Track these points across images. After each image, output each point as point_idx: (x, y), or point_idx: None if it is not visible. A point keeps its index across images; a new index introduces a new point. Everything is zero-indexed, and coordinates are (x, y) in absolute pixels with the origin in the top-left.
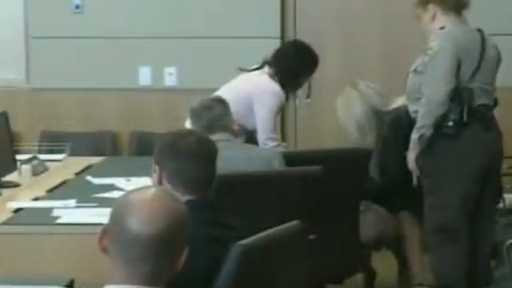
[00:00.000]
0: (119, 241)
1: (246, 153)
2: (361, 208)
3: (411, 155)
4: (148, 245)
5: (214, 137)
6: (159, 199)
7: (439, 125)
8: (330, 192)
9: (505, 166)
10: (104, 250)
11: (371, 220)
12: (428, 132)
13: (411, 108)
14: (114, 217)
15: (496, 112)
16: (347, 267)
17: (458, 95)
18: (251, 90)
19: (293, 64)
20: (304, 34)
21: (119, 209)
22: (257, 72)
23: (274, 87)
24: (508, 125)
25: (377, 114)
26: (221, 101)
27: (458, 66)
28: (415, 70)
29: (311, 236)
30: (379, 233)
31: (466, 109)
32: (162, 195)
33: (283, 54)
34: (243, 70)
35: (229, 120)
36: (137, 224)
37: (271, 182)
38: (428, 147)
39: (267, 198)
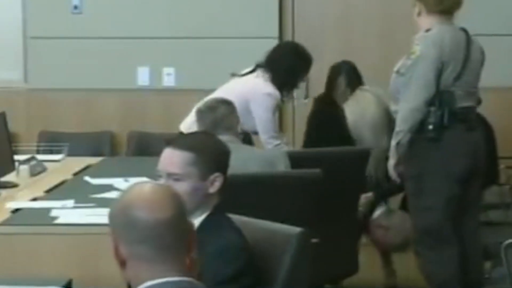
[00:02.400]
0: (136, 239)
1: (248, 154)
2: (383, 211)
3: (391, 162)
4: (166, 231)
5: None
6: (160, 188)
7: (417, 130)
8: (329, 193)
9: (503, 166)
10: (123, 263)
11: (396, 226)
12: (405, 138)
13: (393, 108)
14: (120, 222)
15: (496, 112)
16: (346, 267)
17: (439, 98)
18: (247, 93)
19: (288, 65)
20: (302, 34)
21: (123, 212)
22: (250, 75)
23: (269, 88)
24: (508, 125)
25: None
26: (226, 102)
27: (441, 71)
28: (398, 71)
29: (314, 240)
30: (405, 239)
31: (447, 112)
32: (159, 185)
33: (276, 56)
34: (235, 75)
35: (233, 121)
36: (149, 213)
37: (271, 184)
38: (411, 151)
39: (266, 199)
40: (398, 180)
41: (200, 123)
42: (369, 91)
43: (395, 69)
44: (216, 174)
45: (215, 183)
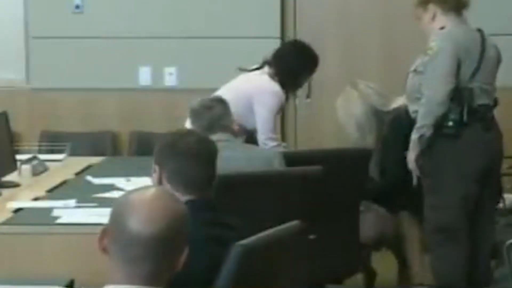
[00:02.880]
0: (119, 241)
1: (246, 153)
2: (361, 208)
3: (411, 155)
4: (148, 245)
5: (214, 137)
6: (159, 199)
7: (439, 125)
8: (330, 192)
9: (505, 166)
10: (104, 250)
11: (371, 220)
12: (428, 132)
13: (411, 108)
14: (114, 217)
15: (496, 112)
16: (347, 267)
17: (458, 95)
18: (251, 90)
19: (293, 64)
20: (304, 34)
21: (119, 209)
22: (257, 72)
23: (274, 87)
24: (508, 125)
25: (377, 114)
26: (221, 101)
27: (458, 66)
28: (415, 70)
29: (311, 236)
30: (379, 233)
31: (466, 109)
32: (162, 195)
33: (283, 54)
34: (243, 70)
35: (229, 120)
36: (137, 224)
37: (271, 182)
38: (428, 147)
39: (267, 198)
40: (418, 173)
41: (196, 123)
42: (356, 88)
43: (412, 68)
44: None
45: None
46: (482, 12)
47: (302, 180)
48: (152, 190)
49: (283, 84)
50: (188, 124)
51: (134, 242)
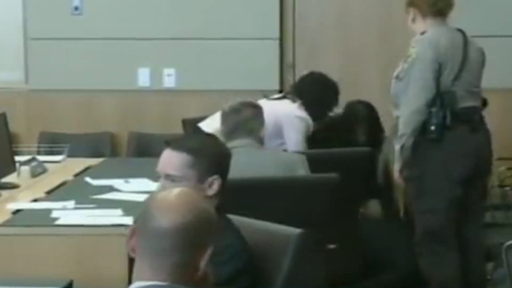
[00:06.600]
0: (145, 235)
1: (268, 158)
2: None
3: (396, 166)
4: (172, 236)
5: (234, 142)
6: (185, 194)
7: (420, 133)
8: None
9: (504, 167)
10: (133, 250)
11: None
12: (409, 141)
13: (394, 113)
14: (142, 215)
15: (496, 112)
16: (347, 270)
17: (440, 99)
18: (281, 115)
19: (315, 95)
20: (303, 35)
21: (147, 206)
22: (283, 101)
23: (303, 113)
24: (508, 125)
25: None
26: (252, 105)
27: (439, 71)
28: (397, 77)
29: (332, 246)
30: None
31: (449, 112)
32: (187, 192)
33: (303, 88)
34: (266, 96)
35: (256, 124)
36: (162, 216)
37: (286, 188)
38: (413, 152)
39: (281, 203)
40: (402, 184)
41: (223, 125)
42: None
43: (394, 74)
44: (214, 176)
45: (213, 186)
46: (481, 14)
47: (318, 186)
48: (178, 189)
49: (312, 115)
50: (205, 126)
51: (157, 234)
